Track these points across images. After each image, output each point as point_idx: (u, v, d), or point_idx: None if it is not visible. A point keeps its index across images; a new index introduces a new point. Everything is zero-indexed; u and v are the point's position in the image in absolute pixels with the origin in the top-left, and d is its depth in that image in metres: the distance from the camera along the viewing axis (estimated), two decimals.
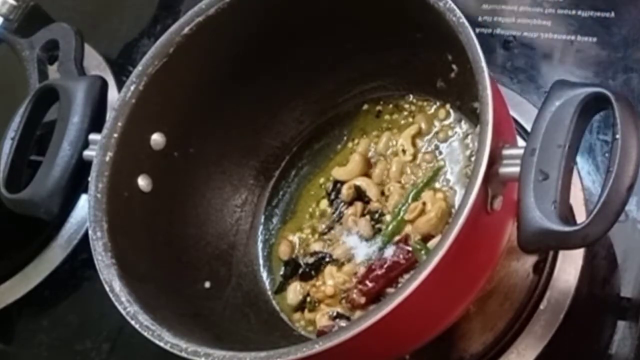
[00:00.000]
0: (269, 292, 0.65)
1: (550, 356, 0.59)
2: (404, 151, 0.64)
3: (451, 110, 0.64)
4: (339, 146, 0.68)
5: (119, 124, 0.58)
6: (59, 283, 0.77)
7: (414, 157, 0.64)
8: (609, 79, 0.68)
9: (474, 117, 0.61)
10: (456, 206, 0.60)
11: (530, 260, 0.62)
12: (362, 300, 0.60)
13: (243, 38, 0.62)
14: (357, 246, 0.63)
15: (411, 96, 0.66)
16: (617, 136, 0.45)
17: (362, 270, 0.61)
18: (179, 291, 0.59)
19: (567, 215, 0.46)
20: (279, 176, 0.69)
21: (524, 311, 0.60)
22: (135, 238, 0.57)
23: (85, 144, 0.60)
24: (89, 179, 0.57)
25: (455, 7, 0.52)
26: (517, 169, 0.48)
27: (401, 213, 0.62)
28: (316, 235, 0.65)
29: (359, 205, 0.64)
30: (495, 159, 0.49)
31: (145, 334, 0.51)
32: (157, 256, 0.59)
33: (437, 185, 0.62)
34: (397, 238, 0.61)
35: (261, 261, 0.67)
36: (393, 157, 0.65)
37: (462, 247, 0.47)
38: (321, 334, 0.60)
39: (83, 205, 0.74)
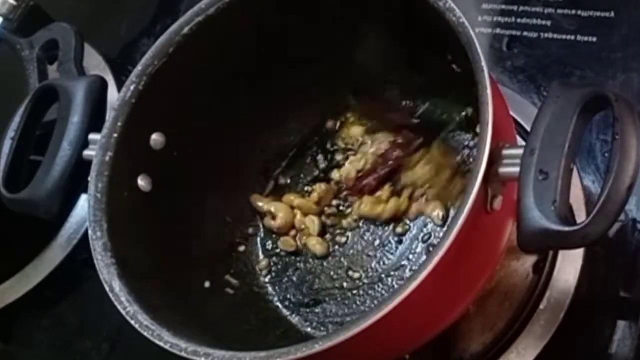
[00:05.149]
0: (269, 292, 0.65)
1: (550, 356, 0.59)
2: None
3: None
4: None
5: (119, 124, 0.58)
6: (59, 283, 0.77)
7: None
8: (609, 79, 0.68)
9: (473, 118, 0.61)
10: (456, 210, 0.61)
11: (530, 260, 0.62)
12: None
13: (243, 38, 0.62)
14: None
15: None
16: (617, 136, 0.45)
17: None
18: (179, 291, 0.59)
19: (567, 215, 0.46)
20: (280, 176, 0.69)
21: (524, 311, 0.60)
22: (135, 238, 0.57)
23: (85, 144, 0.60)
24: (89, 179, 0.57)
25: (455, 7, 0.52)
26: (517, 169, 0.48)
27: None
28: None
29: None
30: (495, 159, 0.49)
31: (145, 334, 0.50)
32: (157, 256, 0.59)
33: None
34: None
35: (261, 261, 0.67)
36: None
37: (462, 247, 0.47)
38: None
39: (83, 205, 0.74)
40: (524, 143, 0.49)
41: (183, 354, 0.49)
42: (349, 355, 0.49)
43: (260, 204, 0.67)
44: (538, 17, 0.72)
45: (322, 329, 0.63)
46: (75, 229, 0.78)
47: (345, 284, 0.64)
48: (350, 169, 0.65)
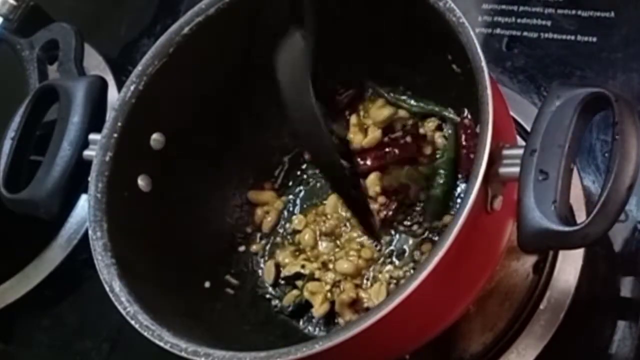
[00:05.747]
0: (269, 292, 0.65)
1: (550, 356, 0.59)
2: None
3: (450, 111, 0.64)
4: None
5: (119, 124, 0.58)
6: (59, 283, 0.77)
7: None
8: (609, 79, 0.68)
9: (474, 118, 0.61)
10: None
11: (530, 260, 0.62)
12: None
13: (243, 38, 0.62)
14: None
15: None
16: (617, 136, 0.45)
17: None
18: (179, 291, 0.59)
19: (567, 215, 0.46)
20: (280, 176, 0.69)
21: (524, 311, 0.60)
22: (135, 238, 0.57)
23: (85, 144, 0.60)
24: (89, 179, 0.57)
25: (455, 7, 0.52)
26: (517, 169, 0.48)
27: None
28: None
29: None
30: (495, 159, 0.49)
31: (145, 334, 0.50)
32: (157, 256, 0.59)
33: None
34: None
35: (261, 261, 0.67)
36: None
37: (462, 247, 0.47)
38: None
39: (83, 205, 0.74)
40: (524, 143, 0.49)
41: (183, 354, 0.49)
42: (349, 355, 0.49)
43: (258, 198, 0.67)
44: (538, 17, 0.72)
45: (323, 328, 0.63)
46: (75, 229, 0.78)
47: None
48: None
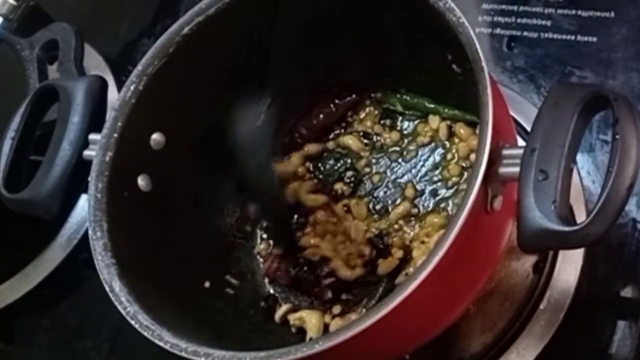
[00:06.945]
0: (269, 292, 0.65)
1: (550, 356, 0.59)
2: None
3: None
4: None
5: (119, 124, 0.58)
6: (59, 283, 0.77)
7: None
8: (609, 79, 0.68)
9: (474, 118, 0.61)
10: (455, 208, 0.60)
11: (530, 260, 0.62)
12: None
13: (243, 37, 0.62)
14: None
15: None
16: (617, 136, 0.45)
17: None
18: (179, 291, 0.59)
19: (567, 215, 0.46)
20: None
21: (524, 311, 0.61)
22: (135, 238, 0.57)
23: (85, 144, 0.60)
24: (89, 179, 0.57)
25: (455, 7, 0.52)
26: (517, 169, 0.48)
27: None
28: None
29: None
30: (495, 159, 0.49)
31: (145, 334, 0.50)
32: (157, 256, 0.59)
33: None
34: None
35: (261, 261, 0.67)
36: None
37: (462, 247, 0.47)
38: None
39: (83, 205, 0.74)
40: (524, 143, 0.49)
41: (183, 354, 0.49)
42: (349, 355, 0.49)
43: None
44: (538, 17, 0.72)
45: None
46: (75, 229, 0.78)
47: None
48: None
